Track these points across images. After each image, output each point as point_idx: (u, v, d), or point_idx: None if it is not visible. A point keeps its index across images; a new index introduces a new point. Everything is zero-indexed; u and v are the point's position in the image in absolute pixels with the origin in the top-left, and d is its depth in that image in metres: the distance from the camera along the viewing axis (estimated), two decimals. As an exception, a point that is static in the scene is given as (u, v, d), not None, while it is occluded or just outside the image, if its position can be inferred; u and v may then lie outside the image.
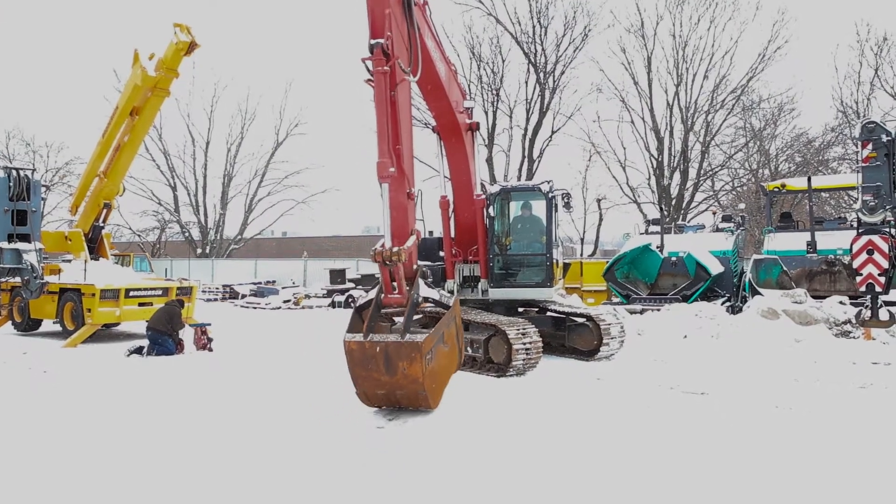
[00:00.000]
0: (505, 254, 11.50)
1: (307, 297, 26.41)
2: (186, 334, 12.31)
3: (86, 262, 15.22)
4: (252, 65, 69.26)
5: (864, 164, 12.18)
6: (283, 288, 28.86)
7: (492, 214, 11.26)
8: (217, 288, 30.29)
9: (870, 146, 12.00)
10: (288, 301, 25.80)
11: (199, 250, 43.72)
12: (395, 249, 6.92)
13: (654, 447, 5.74)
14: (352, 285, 26.04)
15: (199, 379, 9.28)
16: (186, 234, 44.67)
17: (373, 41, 6.84)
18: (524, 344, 9.51)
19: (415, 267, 7.54)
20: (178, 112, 41.90)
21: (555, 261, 11.28)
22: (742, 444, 5.78)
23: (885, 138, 12.07)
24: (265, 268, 35.39)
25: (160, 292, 15.00)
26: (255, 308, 25.60)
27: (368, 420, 6.83)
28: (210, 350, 12.20)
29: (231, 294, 29.10)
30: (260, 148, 44.56)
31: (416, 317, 11.52)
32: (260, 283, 30.97)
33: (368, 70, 6.98)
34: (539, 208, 11.50)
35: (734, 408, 7.25)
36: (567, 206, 11.49)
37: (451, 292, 10.64)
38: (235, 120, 44.77)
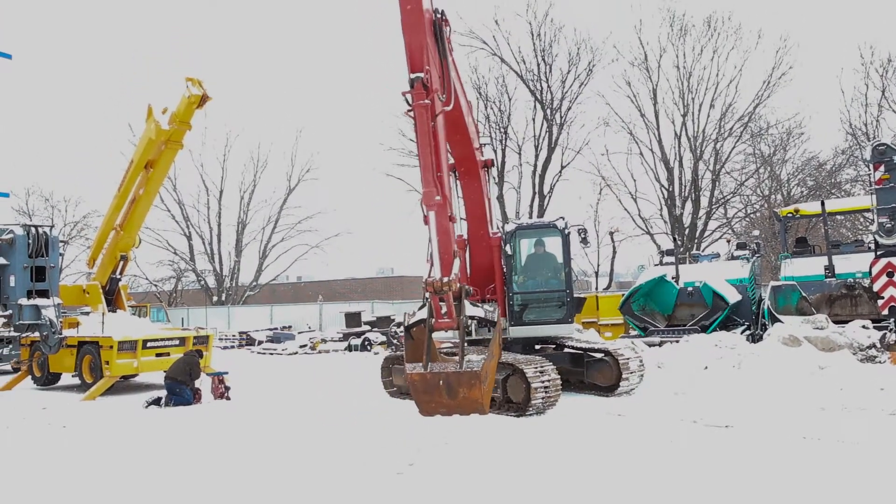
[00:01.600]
0: (524, 292, 11.42)
1: (323, 341, 26.38)
2: (204, 383, 12.30)
3: (103, 314, 15.32)
4: (263, 113, 70.57)
5: (877, 187, 12.15)
6: (299, 333, 28.87)
7: (509, 253, 11.18)
8: (234, 335, 30.33)
9: (882, 168, 11.99)
10: (304, 346, 25.77)
11: (214, 298, 43.96)
12: (447, 280, 7.30)
13: (679, 485, 5.61)
14: (367, 328, 25.99)
15: (216, 429, 9.23)
16: (202, 283, 44.97)
17: (412, 75, 7.07)
18: (543, 382, 9.40)
19: (460, 286, 7.80)
20: (192, 162, 42.63)
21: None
22: (771, 479, 5.64)
23: (896, 160, 12.05)
24: (281, 313, 35.45)
25: (177, 342, 15.04)
26: (271, 354, 25.57)
27: (389, 465, 6.74)
28: (228, 399, 12.16)
29: (247, 341, 29.13)
30: (273, 194, 45.08)
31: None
32: (276, 328, 31.01)
33: (408, 102, 7.15)
34: (555, 245, 11.51)
35: (760, 440, 7.11)
36: (584, 241, 11.46)
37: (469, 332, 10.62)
38: (248, 168, 45.40)
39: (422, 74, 7.05)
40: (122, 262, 16.82)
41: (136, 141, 20.92)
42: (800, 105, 39.36)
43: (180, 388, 11.65)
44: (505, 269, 11.08)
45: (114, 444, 8.43)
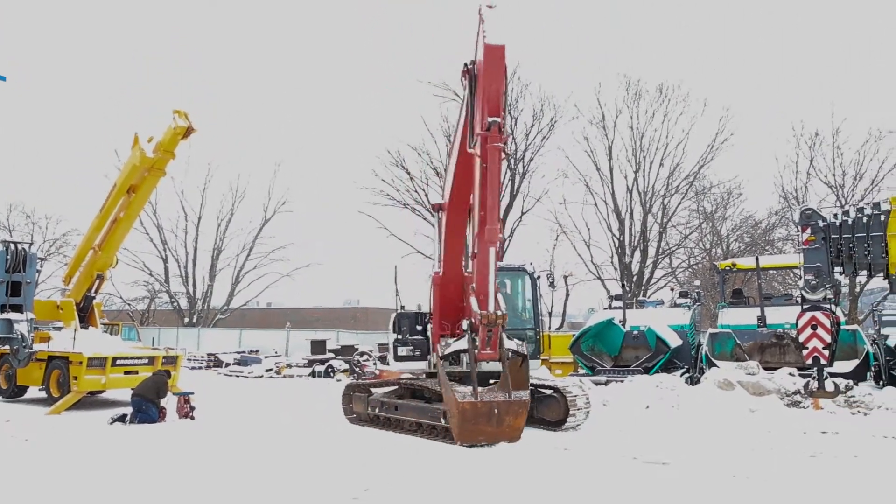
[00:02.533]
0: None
1: (289, 366, 25.91)
2: (170, 402, 11.96)
3: (75, 330, 14.86)
4: (244, 147, 70.20)
5: (804, 247, 12.54)
6: (265, 357, 28.33)
7: None
8: (202, 356, 29.62)
9: (808, 230, 12.38)
10: (270, 370, 25.27)
11: (186, 319, 43.01)
12: (500, 314, 7.44)
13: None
14: (332, 356, 25.63)
15: (178, 448, 8.96)
16: (175, 304, 44.01)
17: (490, 119, 7.11)
18: (494, 415, 9.34)
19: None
20: (174, 189, 42.05)
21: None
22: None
23: (821, 223, 12.47)
24: (249, 337, 34.81)
25: (146, 361, 14.64)
26: (237, 376, 25.01)
27: (345, 490, 6.60)
28: (192, 418, 11.83)
29: (215, 362, 28.46)
30: (248, 224, 44.60)
31: (393, 388, 11.41)
32: (244, 352, 30.38)
33: (469, 143, 7.42)
34: (525, 286, 11.73)
35: (694, 477, 7.15)
36: (552, 284, 11.80)
37: (434, 365, 10.66)
38: (227, 197, 44.84)
39: (498, 119, 7.12)
40: (98, 281, 16.40)
41: (120, 166, 20.57)
42: (739, 168, 40.57)
43: (147, 405, 11.31)
44: None
45: (74, 458, 8.11)
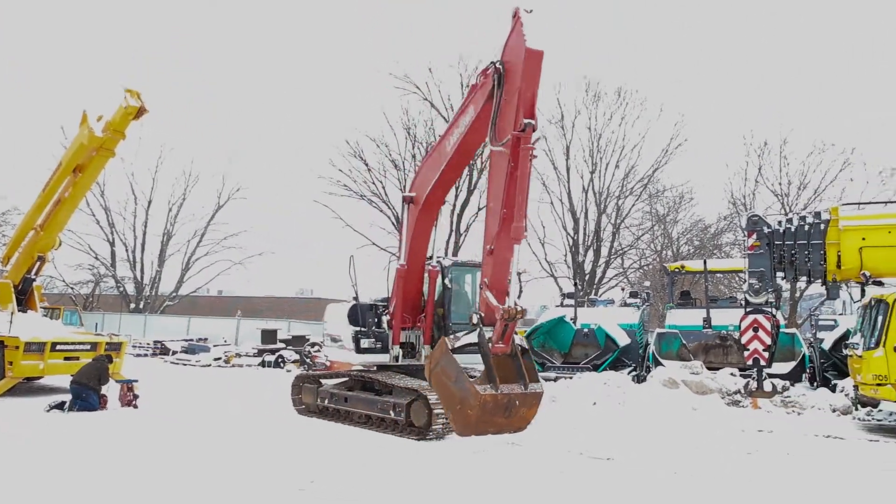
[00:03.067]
0: (462, 322, 11.53)
1: (238, 355, 25.44)
2: (112, 390, 11.62)
3: (12, 314, 14.26)
4: (199, 129, 68.50)
5: (749, 252, 12.93)
6: (214, 346, 27.75)
7: (448, 286, 11.26)
8: (148, 344, 28.86)
9: (754, 236, 12.78)
10: (219, 359, 24.77)
11: (132, 305, 41.85)
12: (520, 308, 7.60)
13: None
14: (282, 346, 25.29)
15: (118, 437, 8.73)
16: (121, 289, 42.76)
17: (526, 121, 7.35)
18: (445, 409, 9.39)
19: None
20: (123, 170, 40.70)
21: None
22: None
23: (766, 230, 12.89)
24: (199, 325, 34.05)
25: (88, 347, 14.15)
26: (185, 365, 24.44)
27: (291, 481, 6.53)
28: (135, 407, 11.54)
29: (162, 350, 27.75)
30: (201, 209, 43.50)
31: (343, 379, 11.34)
32: (192, 339, 29.72)
33: (493, 140, 7.61)
34: None
35: (638, 473, 7.31)
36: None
37: (396, 358, 10.70)
38: (179, 182, 43.69)
39: (533, 121, 7.40)
40: (38, 263, 15.77)
41: (67, 144, 19.81)
42: (691, 173, 41.62)
43: (87, 392, 10.96)
44: (445, 301, 11.09)
45: (6, 447, 7.82)
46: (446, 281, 11.22)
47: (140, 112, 14.48)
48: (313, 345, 22.82)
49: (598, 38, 63.12)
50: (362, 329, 10.57)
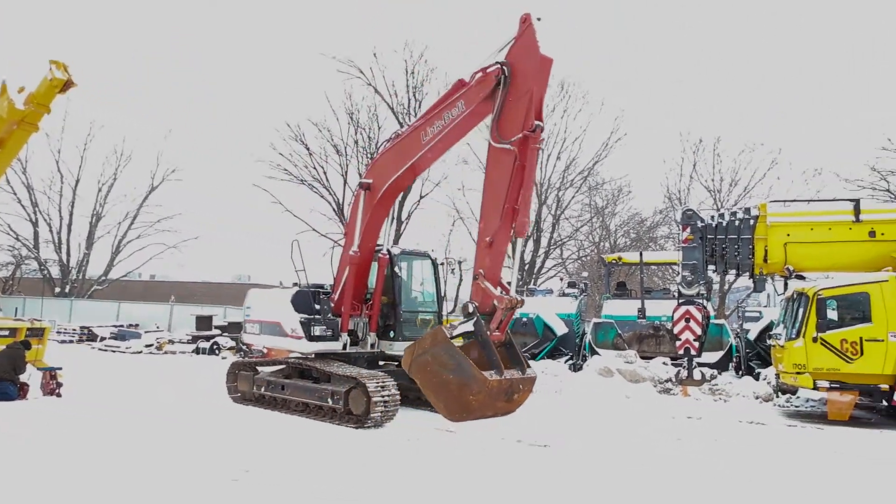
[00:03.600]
0: (410, 310, 11.60)
1: (171, 342, 24.69)
2: (34, 378, 11.07)
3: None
4: (132, 108, 65.74)
5: (683, 245, 13.34)
6: (146, 332, 26.85)
7: (398, 273, 11.30)
8: (74, 329, 27.66)
9: (688, 230, 13.19)
10: (150, 346, 23.99)
11: (57, 289, 39.97)
12: (520, 299, 7.99)
13: (498, 499, 5.75)
14: (218, 332, 24.68)
15: (42, 426, 8.33)
16: (45, 272, 40.75)
17: (537, 122, 7.78)
18: (383, 397, 9.36)
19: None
20: (48, 147, 38.72)
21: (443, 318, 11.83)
22: (579, 496, 5.93)
23: (700, 224, 13.32)
24: (129, 310, 32.86)
25: (7, 333, 13.39)
26: (114, 351, 23.55)
27: (224, 471, 6.38)
28: (59, 395, 11.03)
29: (89, 336, 26.66)
30: (133, 190, 41.78)
31: (280, 367, 11.15)
32: (122, 325, 28.66)
33: (491, 142, 8.04)
34: (429, 271, 11.96)
35: (573, 460, 7.47)
36: (453, 272, 12.01)
37: (345, 346, 10.68)
38: (110, 160, 41.72)
39: (542, 123, 7.82)
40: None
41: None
42: (630, 167, 42.71)
43: (2, 383, 10.38)
44: (395, 289, 11.12)
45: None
46: (396, 269, 11.23)
47: (67, 85, 13.72)
48: (250, 332, 22.31)
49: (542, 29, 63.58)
50: (317, 317, 10.40)
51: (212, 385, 12.86)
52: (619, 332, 16.77)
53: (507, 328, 8.10)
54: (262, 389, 11.01)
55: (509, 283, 8.29)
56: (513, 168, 7.86)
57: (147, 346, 23.93)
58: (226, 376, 11.78)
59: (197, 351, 23.40)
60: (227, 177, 71.86)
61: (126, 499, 5.47)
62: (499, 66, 8.24)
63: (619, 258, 20.91)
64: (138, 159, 51.12)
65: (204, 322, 25.64)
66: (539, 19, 8.11)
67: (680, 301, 13.35)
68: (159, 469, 6.46)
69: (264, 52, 68.82)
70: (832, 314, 11.18)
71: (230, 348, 22.57)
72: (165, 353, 23.42)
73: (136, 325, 28.98)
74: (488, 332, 7.90)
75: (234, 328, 24.48)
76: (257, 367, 11.56)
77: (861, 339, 10.94)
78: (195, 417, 9.76)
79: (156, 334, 25.90)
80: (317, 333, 10.22)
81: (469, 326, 7.93)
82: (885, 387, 10.85)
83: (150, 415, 9.79)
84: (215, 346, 23.20)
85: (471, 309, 7.97)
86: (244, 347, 20.70)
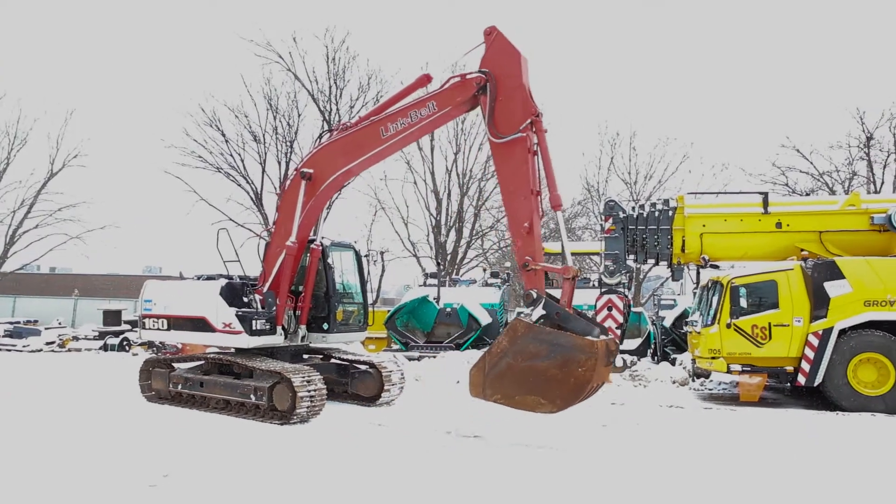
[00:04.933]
0: (343, 302, 11.37)
1: (75, 338, 23.26)
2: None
3: None
4: (28, 86, 61.33)
5: (606, 235, 13.66)
6: (46, 328, 25.18)
7: (330, 265, 11.05)
8: (-39, 327, 25.57)
9: (610, 220, 13.51)
10: (52, 343, 22.51)
11: (-57, 283, 36.92)
12: (578, 268, 8.09)
13: (429, 493, 5.67)
14: (128, 327, 23.44)
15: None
16: (-73, 265, 37.54)
17: (538, 111, 8.44)
18: (309, 392, 9.09)
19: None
20: (-71, 128, 35.56)
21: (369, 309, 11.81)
22: (510, 485, 5.93)
23: (621, 215, 13.68)
24: (27, 306, 30.81)
25: None
26: (9, 350, 21.95)
27: (141, 477, 5.98)
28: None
29: (-21, 334, 24.73)
30: (30, 176, 38.92)
31: (198, 363, 10.64)
32: (18, 322, 26.74)
33: (496, 134, 8.46)
34: (353, 262, 11.83)
35: (505, 450, 7.48)
36: (375, 262, 11.96)
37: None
38: (2, 143, 38.89)
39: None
40: None
41: None
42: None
43: None
44: (328, 281, 10.90)
45: None
46: (329, 261, 10.98)
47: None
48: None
49: (466, 20, 63.97)
50: (260, 309, 9.95)
51: (123, 384, 12.16)
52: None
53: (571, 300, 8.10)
54: (179, 387, 10.49)
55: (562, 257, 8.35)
56: (526, 154, 8.22)
57: (48, 343, 22.47)
58: (139, 374, 11.15)
59: (105, 348, 22.17)
60: (137, 163, 68.46)
61: (30, 511, 5.03)
62: (482, 74, 8.64)
63: (542, 249, 21.24)
64: (36, 142, 47.65)
65: (112, 317, 24.30)
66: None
67: (602, 290, 13.67)
68: (65, 476, 5.98)
69: (176, 30, 65.73)
70: (744, 301, 11.75)
71: (142, 344, 21.47)
72: (69, 350, 22.06)
73: (35, 322, 27.16)
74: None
75: (145, 323, 23.30)
76: (173, 364, 10.99)
77: (770, 324, 11.55)
78: (105, 418, 9.18)
79: (58, 331, 24.34)
80: (258, 328, 9.81)
81: (541, 310, 7.77)
82: (790, 369, 11.50)
83: (54, 416, 9.12)
84: (125, 343, 22.04)
85: (535, 295, 7.85)
86: (157, 343, 19.71)
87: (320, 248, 10.81)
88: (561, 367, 7.27)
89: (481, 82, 8.64)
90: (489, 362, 7.74)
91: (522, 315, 7.91)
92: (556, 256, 15.96)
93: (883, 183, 25.98)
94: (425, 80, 9.84)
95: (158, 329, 10.58)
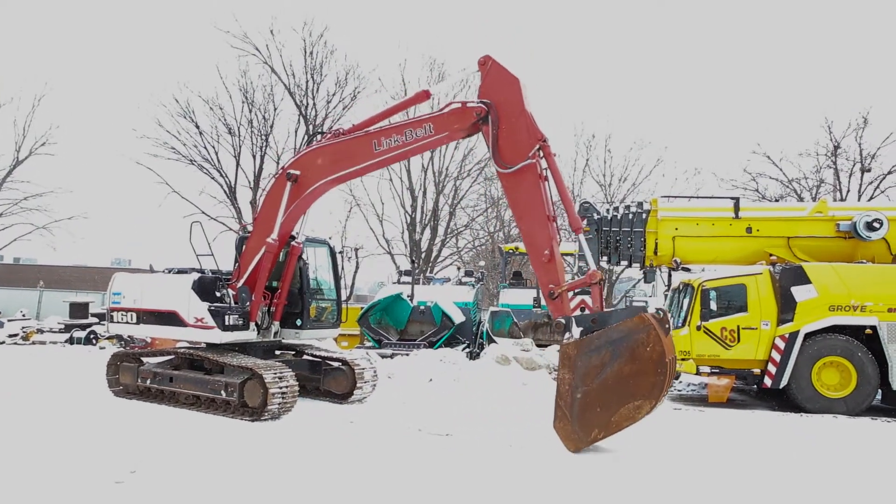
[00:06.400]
0: (318, 298, 11.36)
1: (40, 331, 22.75)
2: None
3: None
4: (-6, 74, 59.62)
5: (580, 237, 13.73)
6: (9, 320, 24.60)
7: (306, 261, 11.04)
8: (-81, 318, 24.89)
9: (585, 222, 13.60)
10: (15, 335, 22.00)
11: None
12: (601, 271, 7.99)
13: (401, 489, 5.67)
14: (95, 320, 22.99)
15: None
16: None
17: (546, 139, 8.28)
18: (280, 388, 9.02)
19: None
20: None
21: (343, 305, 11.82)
22: (480, 483, 5.95)
23: (596, 216, 13.80)
24: (-11, 297, 30.04)
25: None
26: (-30, 342, 21.43)
27: (107, 473, 5.88)
28: None
29: (-63, 326, 24.07)
30: (-6, 164, 38.05)
31: (167, 357, 10.49)
32: (-20, 313, 26.13)
33: (502, 165, 8.39)
34: (328, 259, 11.82)
35: (475, 448, 7.50)
36: (350, 259, 11.91)
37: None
38: (-35, 129, 37.91)
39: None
40: None
41: None
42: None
43: None
44: (302, 277, 10.92)
45: None
46: (303, 257, 10.97)
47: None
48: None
49: (443, 19, 63.89)
50: (234, 304, 9.84)
51: (89, 378, 11.94)
52: (516, 320, 17.12)
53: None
54: (148, 382, 10.34)
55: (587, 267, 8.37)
56: (537, 180, 8.17)
57: (11, 336, 21.96)
58: (106, 368, 10.96)
59: (71, 341, 21.71)
60: (107, 153, 67.12)
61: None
62: (482, 105, 8.53)
63: (516, 248, 21.33)
64: (1, 129, 46.36)
65: (79, 309, 23.80)
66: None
67: (575, 291, 13.76)
68: (28, 472, 5.86)
69: (149, 16, 64.54)
70: (714, 304, 11.95)
71: (109, 338, 21.09)
72: (34, 343, 21.57)
73: (-2, 313, 26.53)
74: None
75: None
76: (142, 358, 10.83)
77: (738, 327, 11.77)
78: (71, 413, 9.01)
79: (22, 323, 23.81)
80: (231, 323, 9.71)
81: (577, 328, 7.62)
82: (757, 371, 11.73)
83: (16, 410, 8.93)
84: (92, 336, 21.63)
85: (564, 321, 7.76)
86: (126, 337, 19.40)
87: (301, 246, 10.77)
88: (631, 358, 6.94)
89: (482, 113, 8.53)
90: (566, 406, 7.30)
91: (566, 343, 7.54)
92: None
93: (849, 191, 26.59)
94: (424, 96, 9.81)
95: (127, 322, 10.41)
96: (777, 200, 26.26)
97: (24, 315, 26.87)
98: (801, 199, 26.47)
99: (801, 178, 27.34)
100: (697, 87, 65.21)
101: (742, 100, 62.91)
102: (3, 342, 21.42)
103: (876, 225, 12.26)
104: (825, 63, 58.02)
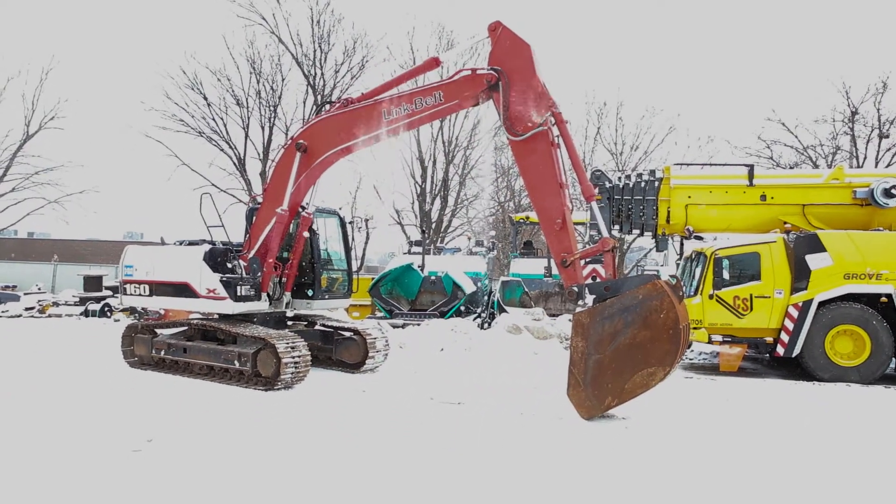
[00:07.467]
0: (330, 269, 11.43)
1: (56, 304, 23.07)
2: None
3: None
4: (1, 43, 59.53)
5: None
6: (25, 294, 24.92)
7: (317, 232, 11.07)
8: (-62, 291, 25.27)
9: (597, 190, 13.49)
10: (31, 308, 22.31)
11: (-82, 247, 36.30)
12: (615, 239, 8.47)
13: (413, 458, 5.73)
14: (109, 293, 23.26)
15: None
16: None
17: (556, 103, 8.21)
18: (293, 358, 9.11)
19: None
20: None
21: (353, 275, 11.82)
22: (492, 450, 6.00)
23: (608, 185, 13.68)
24: (4, 271, 30.41)
25: None
26: (-12, 315, 21.76)
27: (124, 442, 5.98)
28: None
29: (-44, 299, 24.44)
30: (5, 138, 38.19)
31: (181, 329, 10.60)
32: (-4, 287, 26.48)
33: (514, 132, 8.21)
34: (339, 229, 11.83)
35: (487, 416, 7.56)
36: (359, 229, 11.89)
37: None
38: (-27, 103, 37.83)
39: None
40: None
41: None
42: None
43: None
44: (313, 247, 10.99)
45: None
46: (313, 227, 11.00)
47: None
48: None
49: (451, -15, 62.75)
50: (245, 275, 9.89)
51: (105, 350, 12.11)
52: (526, 290, 17.13)
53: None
54: (162, 353, 10.47)
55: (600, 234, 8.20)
56: (549, 148, 8.07)
57: (27, 309, 22.28)
58: (121, 340, 11.10)
59: (86, 313, 22.02)
60: (117, 126, 67.15)
61: (9, 476, 5.01)
62: (493, 72, 8.39)
63: (527, 217, 21.24)
64: (11, 102, 46.39)
65: (93, 282, 24.12)
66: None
67: (587, 260, 13.72)
68: (47, 442, 5.97)
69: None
70: (727, 273, 11.87)
71: (124, 310, 21.34)
72: (49, 316, 21.88)
73: (14, 287, 26.89)
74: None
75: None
76: (156, 330, 10.94)
77: (751, 295, 11.70)
78: (87, 384, 9.15)
79: (37, 296, 24.12)
80: (243, 294, 9.77)
81: (590, 297, 7.64)
82: (769, 339, 11.69)
83: (35, 382, 9.07)
84: (107, 308, 21.89)
85: (577, 289, 7.73)
86: (140, 309, 19.60)
87: (311, 216, 10.76)
88: (644, 324, 6.92)
89: (492, 80, 8.41)
90: (578, 373, 7.31)
91: (580, 311, 7.47)
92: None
93: (866, 158, 26.20)
94: (434, 63, 9.62)
95: (140, 295, 10.50)
96: (792, 168, 25.91)
97: (39, 288, 27.23)
98: (816, 166, 26.11)
99: (816, 145, 26.96)
100: (710, 53, 64.11)
101: (756, 65, 61.81)
102: (21, 315, 21.74)
103: (894, 192, 12.08)
104: (843, 27, 56.73)
